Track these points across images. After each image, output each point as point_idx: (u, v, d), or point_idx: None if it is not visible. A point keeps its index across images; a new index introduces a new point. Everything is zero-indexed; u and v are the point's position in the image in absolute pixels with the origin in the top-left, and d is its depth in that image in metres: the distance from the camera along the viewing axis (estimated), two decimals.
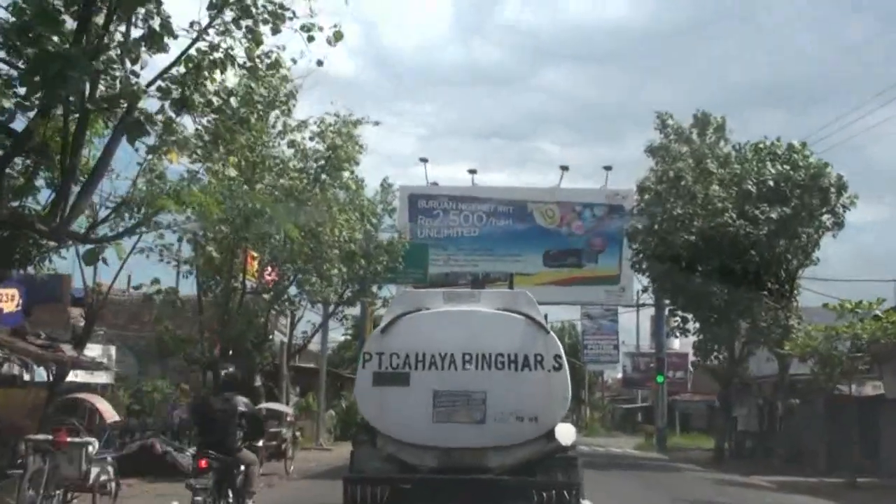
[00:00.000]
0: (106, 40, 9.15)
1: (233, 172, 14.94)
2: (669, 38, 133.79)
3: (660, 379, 44.16)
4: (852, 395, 23.73)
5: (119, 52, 9.23)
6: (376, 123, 23.23)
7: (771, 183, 27.55)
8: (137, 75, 9.20)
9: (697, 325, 31.56)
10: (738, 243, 27.43)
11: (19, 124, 9.51)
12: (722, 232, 27.45)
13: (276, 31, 10.19)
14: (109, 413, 13.90)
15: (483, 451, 11.19)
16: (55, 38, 8.49)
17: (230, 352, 21.39)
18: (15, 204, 10.29)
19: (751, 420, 35.77)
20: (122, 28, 9.37)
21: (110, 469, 12.02)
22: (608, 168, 45.08)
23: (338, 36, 10.56)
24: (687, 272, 28.63)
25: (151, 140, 10.07)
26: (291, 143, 21.57)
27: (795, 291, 29.39)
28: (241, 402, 10.74)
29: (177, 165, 11.52)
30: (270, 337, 28.02)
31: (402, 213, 40.24)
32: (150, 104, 9.94)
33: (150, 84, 9.77)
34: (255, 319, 22.23)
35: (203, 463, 9.91)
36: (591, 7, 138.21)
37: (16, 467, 11.43)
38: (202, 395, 14.73)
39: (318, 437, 33.93)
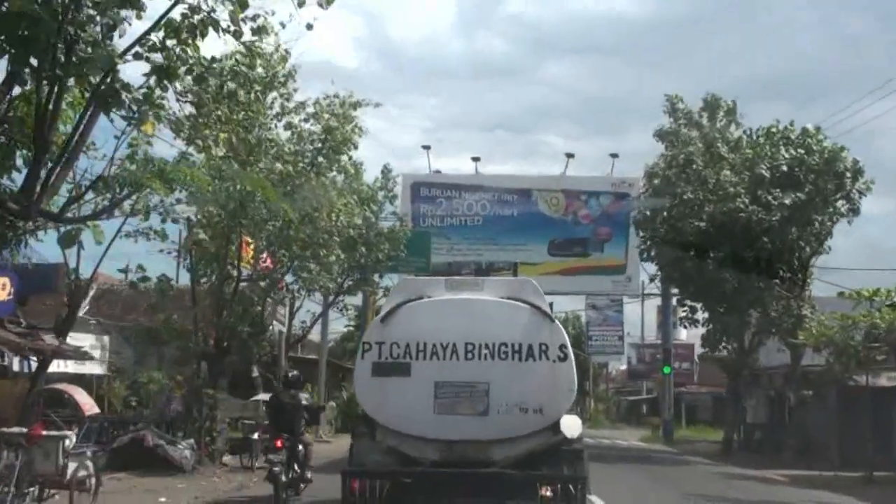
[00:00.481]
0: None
1: (220, 152, 14.19)
2: (673, 29, 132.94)
3: (666, 370, 43.60)
4: (868, 386, 22.96)
5: (93, 13, 8.52)
6: (377, 105, 22.46)
7: (784, 168, 26.78)
8: (112, 38, 8.47)
9: (706, 314, 30.87)
10: (750, 229, 26.68)
11: None
12: (734, 218, 26.71)
13: None
14: (88, 405, 13.22)
15: (486, 444, 10.92)
16: None
17: (225, 343, 20.69)
18: None
19: (760, 412, 35.18)
20: None
21: (90, 464, 11.30)
22: (614, 155, 44.38)
23: None
24: (697, 259, 27.93)
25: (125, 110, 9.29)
26: (289, 126, 20.83)
27: (808, 280, 28.66)
28: (304, 397, 14.09)
29: (154, 138, 10.73)
30: (270, 326, 27.38)
31: (404, 202, 39.51)
32: (132, 77, 9.27)
33: (126, 50, 9.05)
34: (251, 308, 21.53)
35: (279, 442, 12.99)
36: None
37: None
38: (274, 392, 16.05)
39: (318, 429, 33.36)
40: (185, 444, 19.06)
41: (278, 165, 19.44)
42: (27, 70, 8.75)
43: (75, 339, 21.35)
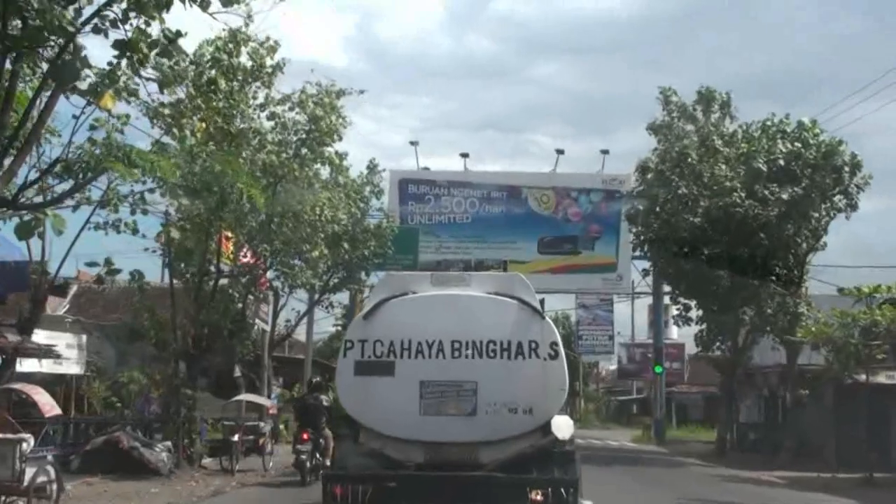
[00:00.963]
0: None
1: (192, 140, 13.52)
2: (663, 28, 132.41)
3: (658, 369, 43.00)
4: (868, 383, 22.39)
5: None
6: (361, 92, 21.80)
7: (781, 162, 26.09)
8: (66, 7, 7.77)
9: (700, 312, 30.28)
10: (746, 225, 26.04)
11: None
12: (729, 213, 26.08)
13: None
14: (49, 406, 12.44)
15: (474, 446, 10.49)
16: None
17: (204, 342, 19.99)
18: None
19: (753, 412, 34.66)
20: None
21: (50, 469, 10.57)
22: (605, 152, 43.50)
23: None
24: (691, 256, 27.32)
25: (85, 85, 8.60)
26: (272, 116, 20.15)
27: (805, 277, 28.11)
28: (324, 399, 17.33)
29: (130, 127, 10.03)
30: (254, 324, 26.72)
31: (391, 199, 38.96)
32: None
33: (85, 22, 8.36)
34: (231, 305, 20.83)
35: (305, 436, 16.56)
36: None
37: None
38: (300, 396, 20.14)
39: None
40: (162, 446, 18.42)
41: (261, 155, 18.81)
42: None
43: (52, 338, 20.71)
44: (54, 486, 10.61)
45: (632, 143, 67.64)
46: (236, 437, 19.15)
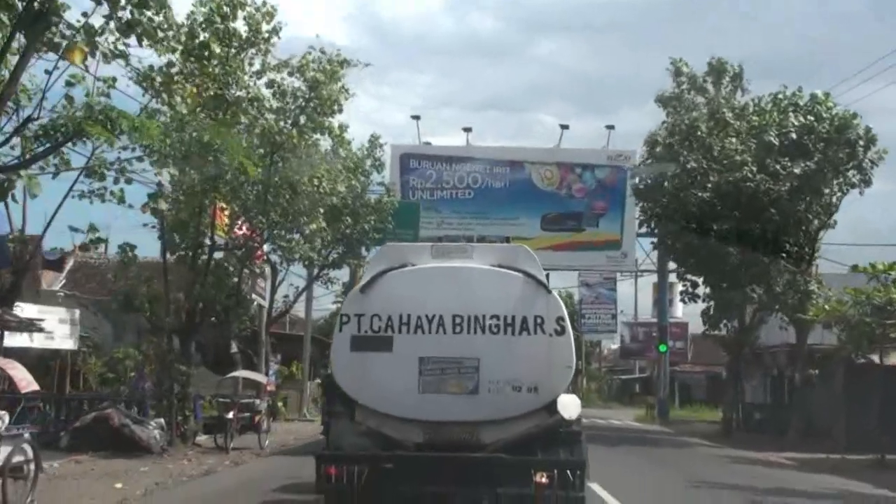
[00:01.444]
0: None
1: (184, 108, 12.90)
2: (667, 6, 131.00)
3: (662, 348, 42.58)
4: (882, 364, 21.84)
5: None
6: (366, 65, 21.01)
7: (793, 135, 25.40)
8: None
9: (707, 289, 29.67)
10: (756, 200, 25.40)
11: None
12: (740, 188, 25.44)
13: None
14: (25, 382, 11.86)
15: (475, 426, 9.93)
16: None
17: (198, 316, 19.44)
18: None
19: (759, 391, 34.16)
20: None
21: (27, 448, 10.02)
22: (611, 127, 42.92)
23: None
24: (699, 231, 26.68)
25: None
26: (271, 83, 19.50)
27: (816, 255, 27.47)
28: None
29: (119, 93, 9.38)
30: (251, 299, 26.21)
31: (392, 173, 38.36)
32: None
33: None
34: (226, 279, 20.26)
35: None
36: None
37: None
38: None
39: (301, 407, 32.48)
40: (155, 423, 17.97)
41: (260, 121, 18.22)
42: None
43: (44, 312, 20.19)
44: (32, 466, 10.06)
45: (635, 123, 67.25)
46: (231, 415, 18.65)
